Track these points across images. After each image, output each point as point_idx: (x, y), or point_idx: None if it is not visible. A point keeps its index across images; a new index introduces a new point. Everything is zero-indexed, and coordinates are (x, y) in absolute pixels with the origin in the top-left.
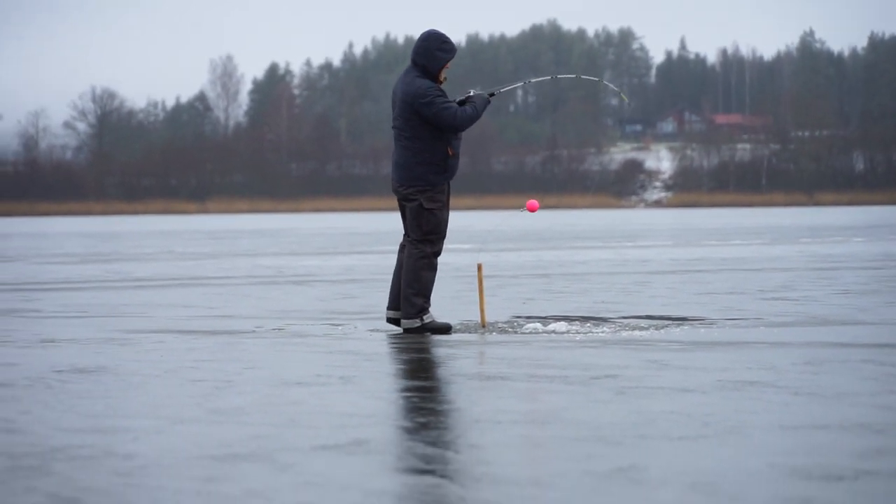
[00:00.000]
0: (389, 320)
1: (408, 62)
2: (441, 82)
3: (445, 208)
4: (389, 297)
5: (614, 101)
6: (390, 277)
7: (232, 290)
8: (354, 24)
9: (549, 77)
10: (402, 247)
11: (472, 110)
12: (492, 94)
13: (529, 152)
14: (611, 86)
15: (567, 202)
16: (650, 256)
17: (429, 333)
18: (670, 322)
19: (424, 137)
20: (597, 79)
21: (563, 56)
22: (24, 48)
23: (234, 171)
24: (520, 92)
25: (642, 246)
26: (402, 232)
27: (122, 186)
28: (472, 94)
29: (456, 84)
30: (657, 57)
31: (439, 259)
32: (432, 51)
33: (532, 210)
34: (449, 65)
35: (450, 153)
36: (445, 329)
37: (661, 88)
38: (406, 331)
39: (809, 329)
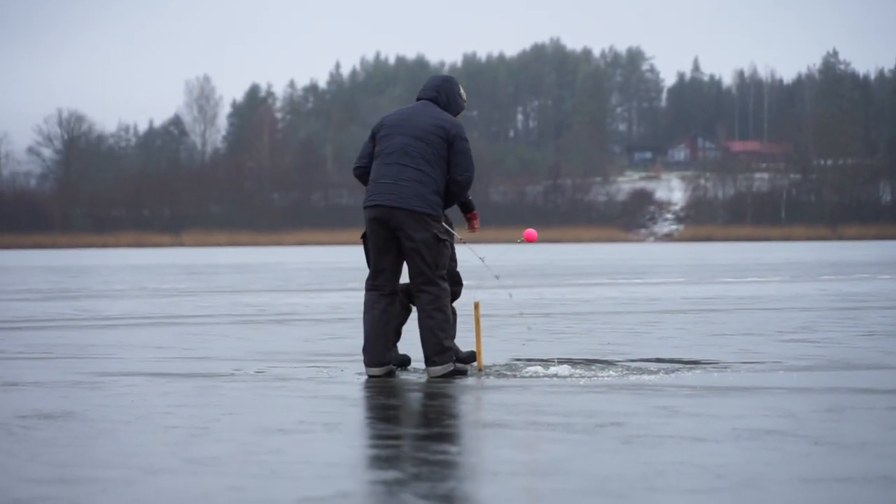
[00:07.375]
0: (372, 377)
1: (410, 99)
2: None
3: None
4: (368, 352)
5: (622, 127)
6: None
7: (209, 329)
8: (341, 42)
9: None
10: (376, 296)
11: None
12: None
13: (530, 181)
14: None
15: (570, 235)
16: (660, 294)
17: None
18: (681, 365)
19: (442, 167)
20: None
21: (566, 78)
22: None
23: (212, 200)
24: (520, 116)
25: (651, 283)
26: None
27: (91, 217)
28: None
29: None
30: (668, 79)
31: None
32: (455, 94)
33: (530, 240)
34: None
35: None
36: (471, 357)
37: (673, 113)
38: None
39: (831, 373)
